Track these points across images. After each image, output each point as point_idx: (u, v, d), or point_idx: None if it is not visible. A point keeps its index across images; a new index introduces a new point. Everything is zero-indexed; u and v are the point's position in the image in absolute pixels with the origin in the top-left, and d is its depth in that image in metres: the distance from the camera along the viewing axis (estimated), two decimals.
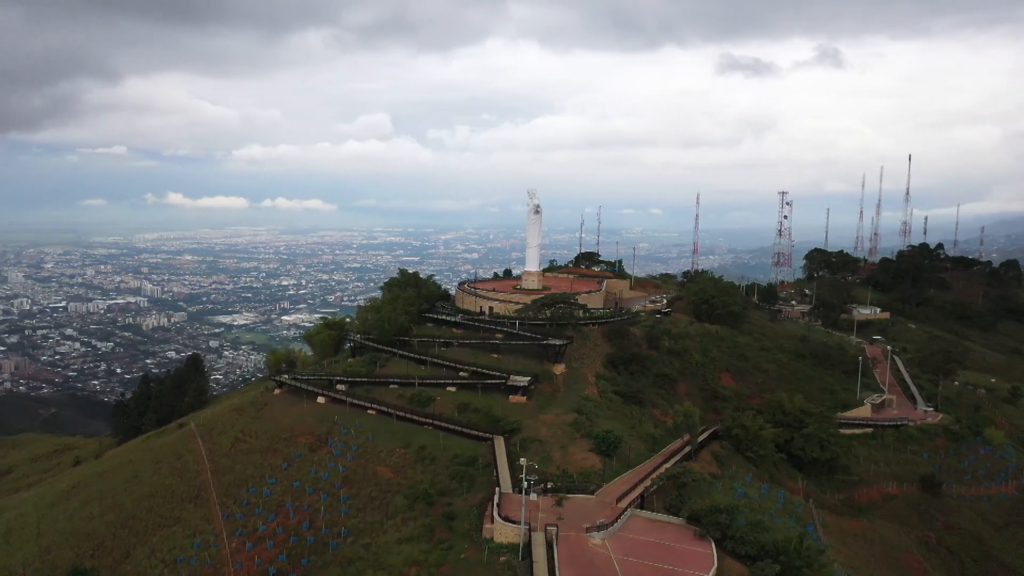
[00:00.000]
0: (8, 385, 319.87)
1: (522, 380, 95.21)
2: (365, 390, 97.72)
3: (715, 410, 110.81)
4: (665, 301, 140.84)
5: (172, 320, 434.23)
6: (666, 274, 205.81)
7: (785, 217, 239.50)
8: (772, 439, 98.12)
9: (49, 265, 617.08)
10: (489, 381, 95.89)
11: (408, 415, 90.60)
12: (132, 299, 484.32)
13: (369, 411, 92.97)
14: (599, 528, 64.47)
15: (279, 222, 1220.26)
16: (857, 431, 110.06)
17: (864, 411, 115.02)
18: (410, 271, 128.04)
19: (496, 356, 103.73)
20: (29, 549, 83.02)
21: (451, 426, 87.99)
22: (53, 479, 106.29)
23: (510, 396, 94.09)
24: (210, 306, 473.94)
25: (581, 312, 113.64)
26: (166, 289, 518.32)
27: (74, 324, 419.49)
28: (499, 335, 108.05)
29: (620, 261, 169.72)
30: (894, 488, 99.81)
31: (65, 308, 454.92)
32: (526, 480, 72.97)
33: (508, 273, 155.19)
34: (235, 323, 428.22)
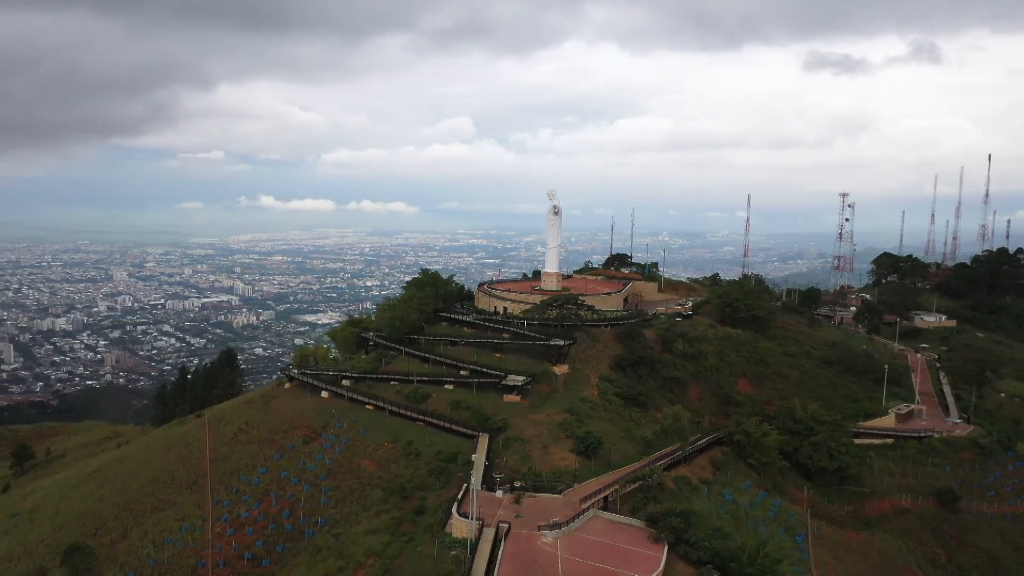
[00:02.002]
0: (109, 377, 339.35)
1: (518, 379, 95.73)
2: (367, 386, 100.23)
3: (727, 415, 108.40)
4: (690, 304, 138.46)
5: (260, 318, 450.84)
6: (708, 276, 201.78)
7: (847, 220, 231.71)
8: (777, 446, 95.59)
9: (150, 264, 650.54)
10: (484, 380, 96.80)
11: (401, 411, 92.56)
12: (225, 297, 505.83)
13: (367, 406, 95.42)
14: (552, 527, 64.50)
15: (364, 224, 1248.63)
16: (876, 441, 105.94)
17: (887, 421, 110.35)
18: (431, 271, 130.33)
19: (499, 356, 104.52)
20: (46, 527, 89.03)
21: (440, 423, 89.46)
22: (83, 463, 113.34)
23: (505, 395, 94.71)
24: (297, 305, 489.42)
25: (588, 313, 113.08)
26: (256, 288, 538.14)
27: (171, 320, 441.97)
28: (506, 335, 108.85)
29: (655, 263, 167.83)
30: (907, 502, 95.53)
31: (163, 305, 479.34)
32: (494, 477, 74.85)
33: (537, 274, 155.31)
34: (319, 322, 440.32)
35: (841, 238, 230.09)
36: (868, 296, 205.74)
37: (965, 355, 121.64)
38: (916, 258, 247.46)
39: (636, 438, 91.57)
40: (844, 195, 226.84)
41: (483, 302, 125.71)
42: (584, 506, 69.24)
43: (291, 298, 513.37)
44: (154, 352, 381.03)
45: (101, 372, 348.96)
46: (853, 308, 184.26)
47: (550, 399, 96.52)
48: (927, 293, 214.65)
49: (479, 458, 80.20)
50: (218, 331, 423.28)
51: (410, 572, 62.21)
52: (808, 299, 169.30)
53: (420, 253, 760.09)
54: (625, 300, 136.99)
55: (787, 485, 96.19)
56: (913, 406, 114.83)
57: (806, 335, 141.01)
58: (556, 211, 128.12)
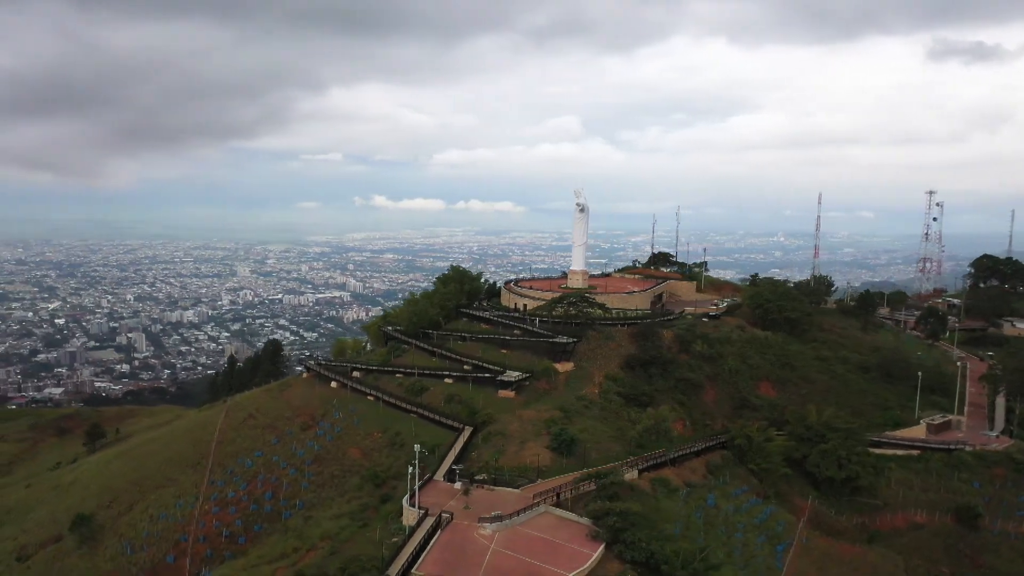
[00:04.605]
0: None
1: (513, 376, 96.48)
2: (374, 377, 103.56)
3: (742, 419, 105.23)
4: (724, 305, 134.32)
5: (369, 314, 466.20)
6: (767, 276, 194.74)
7: (935, 219, 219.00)
8: (783, 452, 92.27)
9: (271, 261, 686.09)
10: (482, 375, 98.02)
11: (396, 402, 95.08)
12: (337, 294, 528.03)
13: (368, 397, 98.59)
14: (492, 519, 65.06)
15: (472, 223, 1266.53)
16: (900, 452, 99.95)
17: (917, 431, 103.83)
18: (461, 268, 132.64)
19: (505, 352, 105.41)
20: (75, 498, 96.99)
21: (430, 415, 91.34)
22: (127, 442, 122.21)
23: (500, 391, 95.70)
24: (404, 302, 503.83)
25: (599, 311, 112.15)
26: (367, 285, 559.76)
27: (287, 315, 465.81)
28: (516, 331, 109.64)
29: (702, 263, 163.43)
30: (923, 517, 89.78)
31: (281, 300, 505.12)
32: (454, 469, 76.20)
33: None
34: None
35: (927, 239, 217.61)
36: (956, 300, 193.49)
37: (1013, 363, 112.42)
38: (1017, 260, 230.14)
39: (628, 438, 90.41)
40: (931, 193, 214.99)
41: (507, 299, 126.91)
42: (534, 501, 69.48)
43: (399, 295, 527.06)
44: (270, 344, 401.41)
45: (221, 362, 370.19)
46: (917, 312, 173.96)
47: (546, 396, 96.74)
48: None
49: (453, 451, 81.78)
50: (329, 325, 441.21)
51: (350, 554, 64.31)
52: (865, 302, 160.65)
53: (527, 252, 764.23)
54: (659, 298, 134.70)
55: (791, 493, 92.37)
56: (951, 416, 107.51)
57: (853, 339, 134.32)
58: (582, 209, 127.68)
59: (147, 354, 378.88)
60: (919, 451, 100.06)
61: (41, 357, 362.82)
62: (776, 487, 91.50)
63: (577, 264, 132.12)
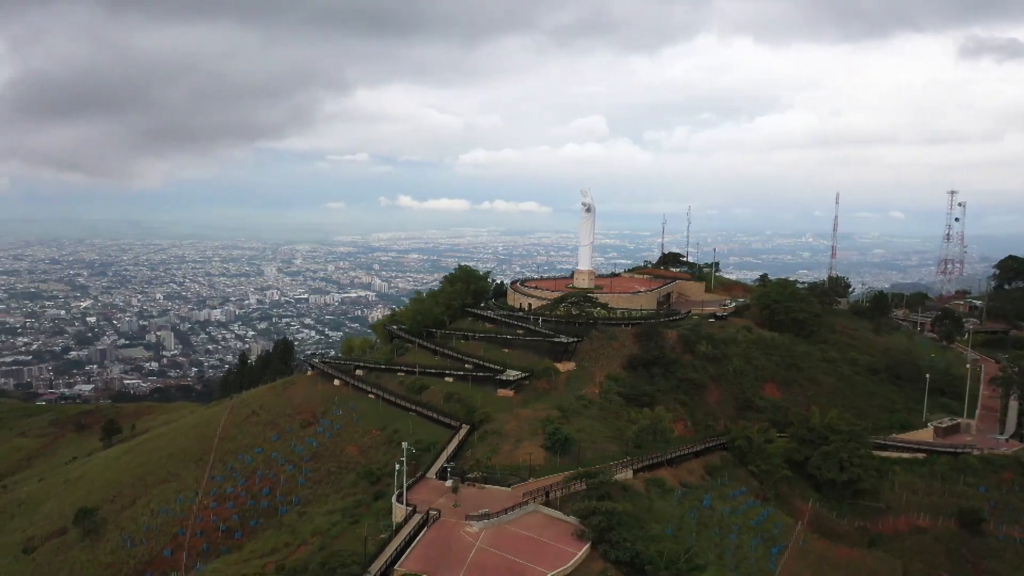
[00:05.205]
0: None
1: (513, 375, 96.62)
2: (376, 376, 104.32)
3: (745, 420, 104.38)
4: (732, 305, 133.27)
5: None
6: (793, 277, 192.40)
7: (956, 219, 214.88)
8: (783, 454, 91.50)
9: (298, 261, 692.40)
10: (480, 374, 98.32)
11: (396, 400, 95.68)
12: (362, 293, 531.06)
13: (369, 395, 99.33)
14: (479, 517, 65.32)
15: (497, 223, 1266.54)
16: (905, 455, 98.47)
17: (924, 434, 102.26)
18: (469, 267, 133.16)
19: (507, 351, 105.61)
20: (82, 491, 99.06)
21: (429, 413, 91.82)
22: (134, 438, 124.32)
23: (499, 390, 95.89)
24: (409, 301, 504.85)
25: (601, 310, 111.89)
26: (392, 285, 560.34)
27: (312, 314, 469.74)
28: (519, 331, 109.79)
29: (714, 263, 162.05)
30: (925, 521, 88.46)
31: (307, 300, 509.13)
32: (445, 467, 76.66)
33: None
34: None
35: (949, 239, 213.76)
36: (978, 302, 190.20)
37: (1017, 364, 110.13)
38: None
39: (625, 438, 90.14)
40: (952, 193, 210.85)
41: (512, 299, 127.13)
42: (523, 500, 69.58)
43: (424, 294, 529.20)
44: (295, 343, 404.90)
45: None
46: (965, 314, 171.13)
47: (545, 395, 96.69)
48: None
49: (448, 449, 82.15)
50: (354, 325, 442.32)
51: (333, 550, 64.96)
52: (878, 303, 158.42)
53: (552, 253, 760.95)
54: (667, 299, 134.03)
55: (792, 496, 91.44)
56: (960, 419, 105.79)
57: (864, 341, 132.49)
58: (588, 209, 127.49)
59: (175, 352, 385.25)
60: (925, 454, 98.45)
61: (72, 354, 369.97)
62: (776, 489, 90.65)
63: (583, 264, 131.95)
